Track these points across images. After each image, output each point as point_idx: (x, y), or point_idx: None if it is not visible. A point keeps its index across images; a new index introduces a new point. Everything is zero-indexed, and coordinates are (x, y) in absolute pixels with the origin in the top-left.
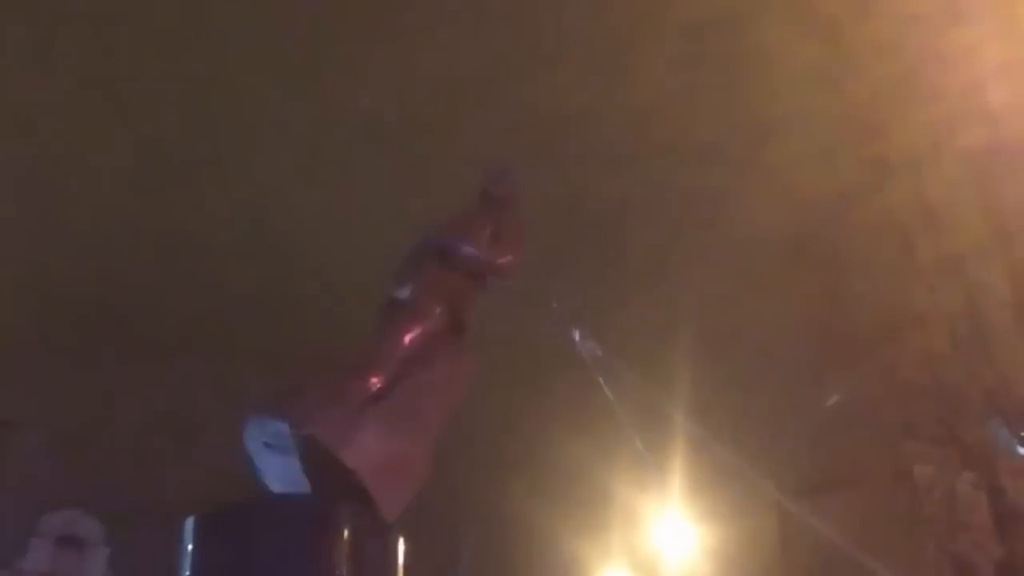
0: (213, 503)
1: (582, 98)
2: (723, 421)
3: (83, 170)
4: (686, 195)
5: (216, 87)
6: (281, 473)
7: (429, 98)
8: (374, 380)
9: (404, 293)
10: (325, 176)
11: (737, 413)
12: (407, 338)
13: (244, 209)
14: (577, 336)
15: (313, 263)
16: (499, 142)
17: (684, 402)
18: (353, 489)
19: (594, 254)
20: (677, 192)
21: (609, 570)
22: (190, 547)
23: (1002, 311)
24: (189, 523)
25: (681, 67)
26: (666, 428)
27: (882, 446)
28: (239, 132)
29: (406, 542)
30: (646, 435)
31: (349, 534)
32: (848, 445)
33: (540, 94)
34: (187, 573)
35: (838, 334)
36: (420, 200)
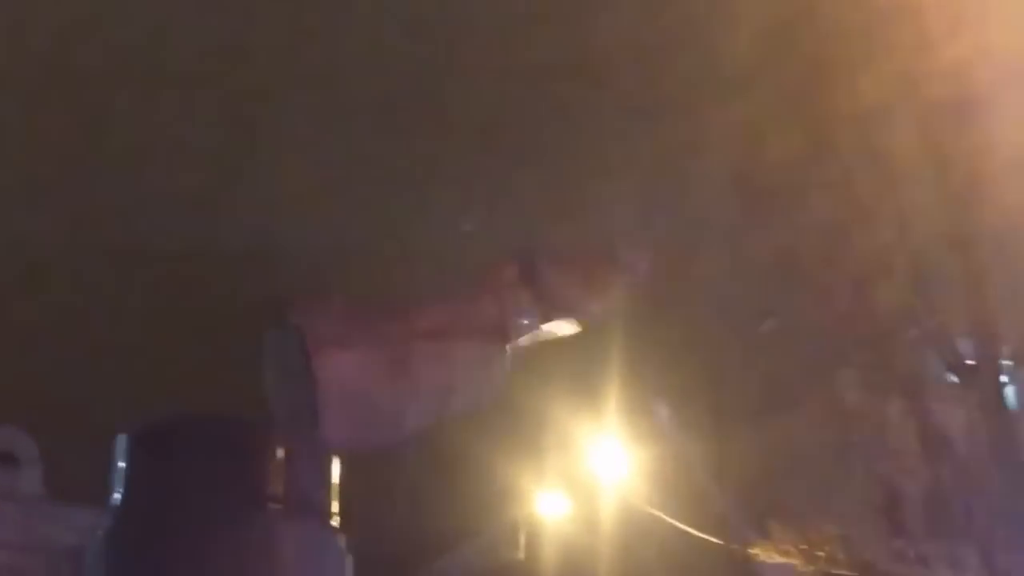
0: (146, 421)
1: (542, 52)
2: (659, 346)
3: None
4: (645, 144)
5: None
6: (276, 362)
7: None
8: (394, 327)
9: (472, 280)
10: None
11: (674, 339)
12: (445, 316)
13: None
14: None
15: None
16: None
17: (621, 327)
18: (312, 403)
19: (547, 197)
20: (637, 143)
21: (544, 493)
22: (122, 465)
23: (937, 242)
24: (121, 441)
25: (640, 21)
26: (602, 352)
27: (815, 372)
28: None
29: (342, 465)
30: (584, 360)
31: (281, 456)
32: (782, 371)
33: (503, 49)
34: (119, 490)
35: (779, 265)
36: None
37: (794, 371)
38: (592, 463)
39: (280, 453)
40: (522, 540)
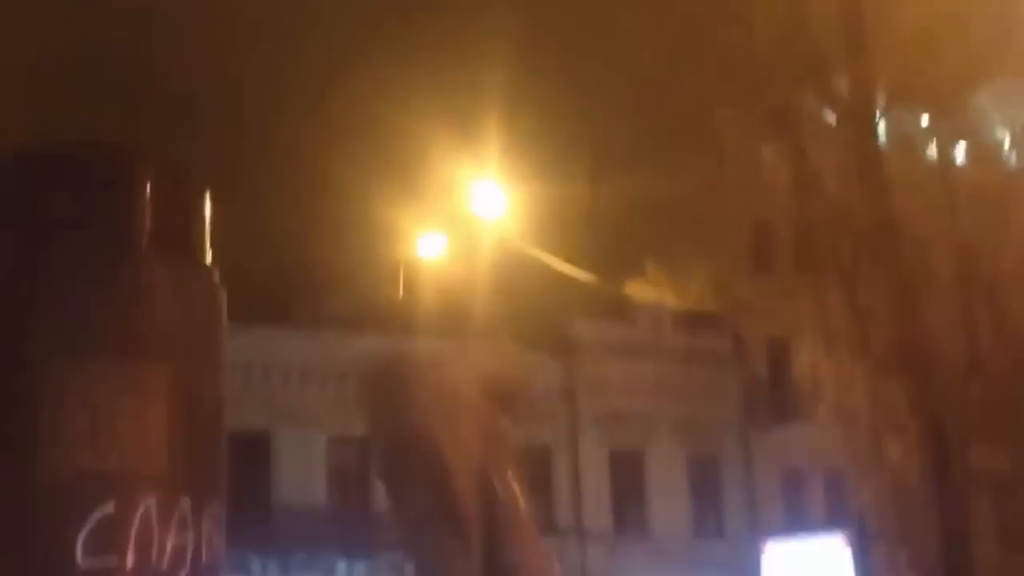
0: None
1: None
2: (540, 87)
3: None
4: None
5: None
6: None
7: None
8: None
9: None
10: None
11: (556, 80)
12: None
13: None
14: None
15: None
16: None
17: (503, 66)
18: None
19: None
20: None
21: (425, 235)
22: None
23: None
24: None
25: None
26: (481, 91)
27: (692, 113)
28: None
29: (215, 204)
30: (462, 96)
31: (150, 188)
32: (660, 112)
33: None
34: None
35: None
36: None
37: (671, 111)
38: (470, 203)
39: (149, 185)
40: (400, 279)
